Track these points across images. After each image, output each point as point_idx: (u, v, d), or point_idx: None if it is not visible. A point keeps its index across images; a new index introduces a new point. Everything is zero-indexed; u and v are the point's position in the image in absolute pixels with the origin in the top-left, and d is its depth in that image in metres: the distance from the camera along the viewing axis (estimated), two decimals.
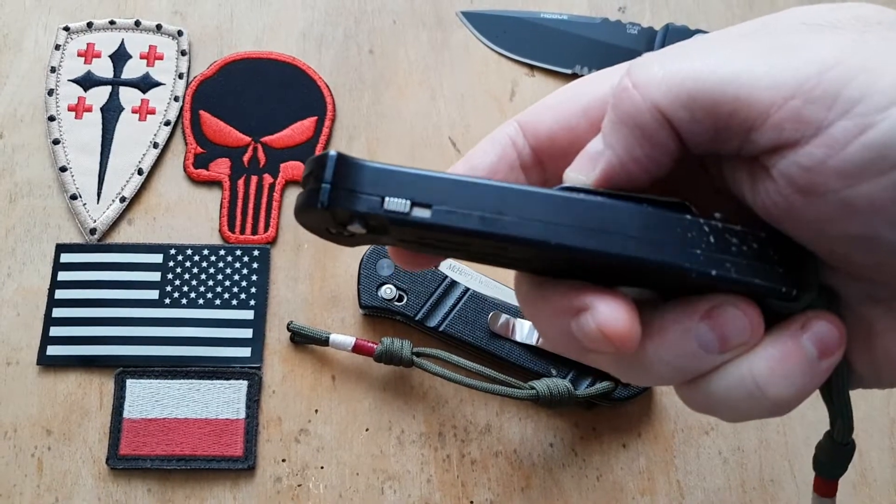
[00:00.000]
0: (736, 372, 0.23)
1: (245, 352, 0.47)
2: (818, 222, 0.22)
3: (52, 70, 0.53)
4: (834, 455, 0.28)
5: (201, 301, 0.48)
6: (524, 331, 0.46)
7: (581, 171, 0.24)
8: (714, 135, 0.22)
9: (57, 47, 0.54)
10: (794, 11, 0.23)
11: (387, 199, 0.23)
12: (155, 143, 0.51)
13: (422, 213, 0.22)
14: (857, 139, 0.20)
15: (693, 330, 0.23)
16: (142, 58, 0.54)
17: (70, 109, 0.52)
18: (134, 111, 0.52)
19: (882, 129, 0.20)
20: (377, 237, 0.25)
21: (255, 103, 0.53)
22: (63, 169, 0.50)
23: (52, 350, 0.47)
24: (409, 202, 0.23)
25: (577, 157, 0.25)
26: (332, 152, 0.23)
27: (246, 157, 0.51)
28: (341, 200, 0.22)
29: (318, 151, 0.52)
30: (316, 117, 0.53)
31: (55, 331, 0.47)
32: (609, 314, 0.23)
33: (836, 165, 0.20)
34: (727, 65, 0.21)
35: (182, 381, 0.46)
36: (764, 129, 0.21)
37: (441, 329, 0.46)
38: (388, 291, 0.47)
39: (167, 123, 0.52)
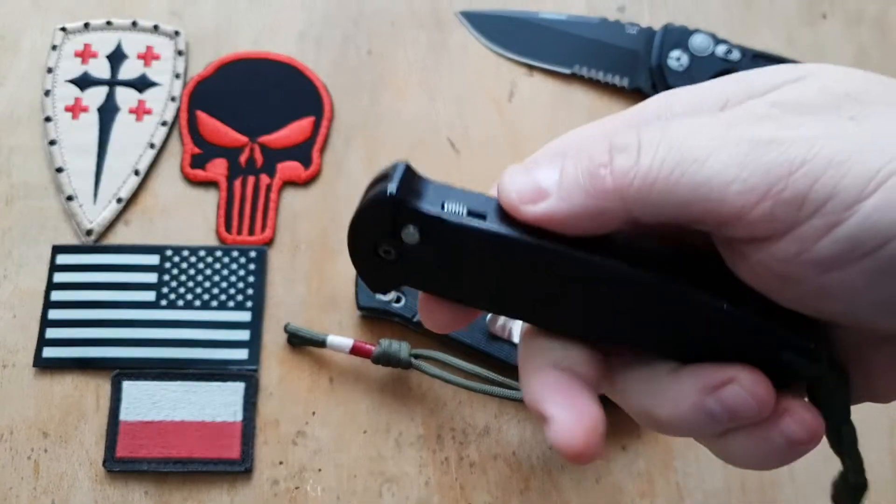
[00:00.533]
0: (715, 445, 0.26)
1: (242, 354, 0.47)
2: (797, 300, 0.23)
3: (49, 71, 0.53)
4: (850, 493, 0.31)
5: (198, 303, 0.48)
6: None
7: (521, 196, 0.24)
8: (680, 225, 0.23)
9: (54, 48, 0.53)
10: (764, 85, 0.24)
11: (447, 203, 0.25)
12: (151, 143, 0.51)
13: (477, 222, 0.24)
14: (827, 235, 0.21)
15: (704, 404, 0.24)
16: (139, 58, 0.53)
17: (67, 110, 0.52)
18: (131, 112, 0.52)
19: (850, 224, 0.20)
20: (417, 265, 0.26)
21: (252, 103, 0.52)
22: (59, 170, 0.50)
23: (49, 352, 0.46)
24: (466, 208, 0.25)
25: (521, 172, 0.25)
26: (403, 162, 0.25)
27: (243, 158, 0.51)
28: (407, 195, 0.24)
29: (316, 151, 0.52)
30: (313, 117, 0.52)
31: (51, 333, 0.47)
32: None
33: (808, 258, 0.21)
34: (702, 167, 0.22)
35: (179, 383, 0.46)
36: (735, 226, 0.22)
37: None
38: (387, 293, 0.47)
39: (164, 124, 0.52)
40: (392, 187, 0.24)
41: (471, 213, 0.25)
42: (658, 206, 0.22)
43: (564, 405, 0.25)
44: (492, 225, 0.24)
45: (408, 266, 0.26)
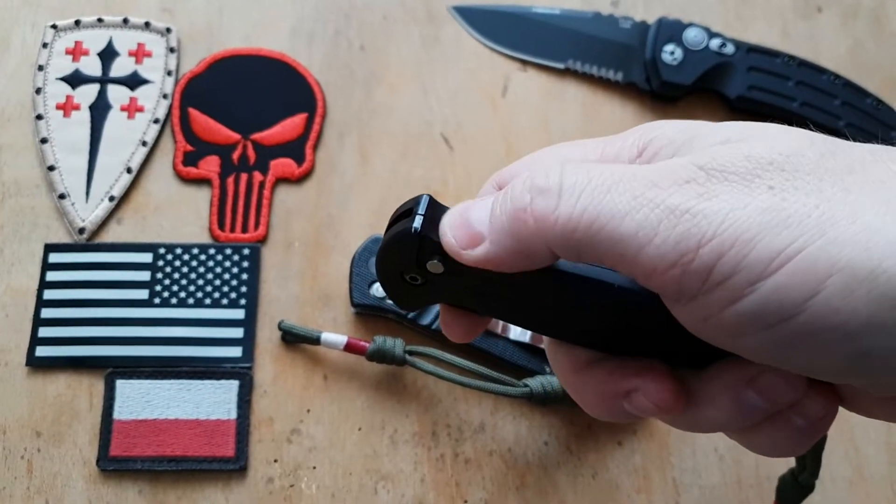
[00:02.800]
0: (746, 437, 0.27)
1: (236, 351, 0.46)
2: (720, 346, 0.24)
3: (40, 68, 0.52)
4: (795, 491, 0.32)
5: (191, 300, 0.47)
6: (517, 328, 0.46)
7: (460, 243, 0.26)
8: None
9: (44, 45, 0.53)
10: (700, 143, 0.24)
11: None
12: (144, 141, 0.51)
13: None
14: (730, 307, 0.22)
15: (744, 398, 0.25)
16: (130, 55, 0.53)
17: (58, 108, 0.51)
18: (122, 109, 0.52)
19: (751, 300, 0.21)
20: (442, 288, 0.28)
21: (244, 100, 0.52)
22: (51, 168, 0.50)
23: (41, 351, 0.46)
24: None
25: (458, 217, 0.26)
26: (425, 195, 0.27)
27: (235, 155, 0.51)
28: (431, 230, 0.26)
29: (309, 148, 0.51)
30: (306, 114, 0.52)
31: (44, 331, 0.46)
32: (658, 391, 0.26)
33: (716, 323, 0.22)
34: (620, 224, 0.22)
35: (172, 381, 0.46)
36: (649, 283, 0.23)
37: (434, 327, 0.46)
38: (380, 289, 0.46)
39: (156, 121, 0.52)
40: (416, 224, 0.26)
41: None
42: (579, 251, 0.23)
43: (634, 375, 0.27)
44: None
45: (434, 289, 0.28)
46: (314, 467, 0.45)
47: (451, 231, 0.26)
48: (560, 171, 0.24)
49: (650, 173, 0.23)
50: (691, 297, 0.22)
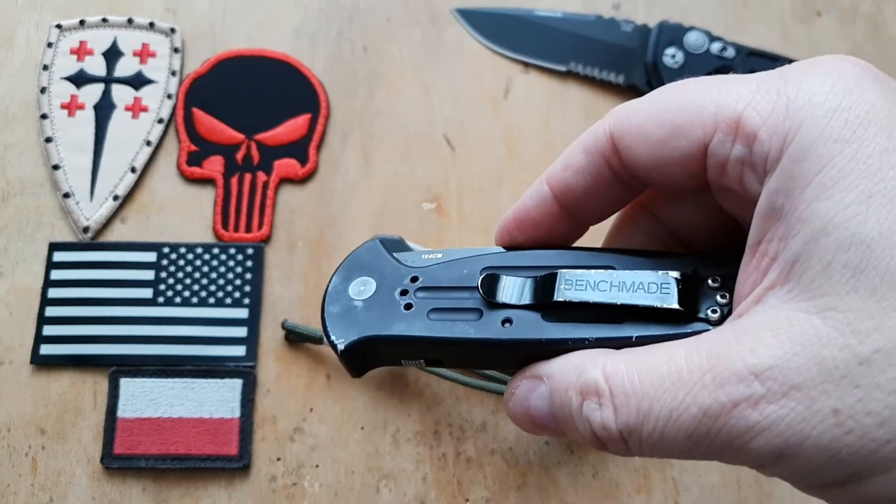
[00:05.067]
0: None
1: (239, 350, 0.47)
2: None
3: (45, 68, 0.53)
4: None
5: (195, 300, 0.48)
6: None
7: (527, 429, 0.28)
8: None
9: (49, 45, 0.53)
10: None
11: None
12: (148, 140, 0.51)
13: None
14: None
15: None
16: (134, 55, 0.53)
17: (62, 107, 0.52)
18: (127, 109, 0.52)
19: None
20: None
21: (248, 101, 0.52)
22: (56, 167, 0.50)
23: (46, 349, 0.46)
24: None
25: (522, 413, 0.28)
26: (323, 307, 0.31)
27: (239, 155, 0.51)
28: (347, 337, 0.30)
29: (312, 148, 0.52)
30: (309, 114, 0.52)
31: (48, 330, 0.47)
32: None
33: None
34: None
35: (176, 379, 0.46)
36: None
37: None
38: None
39: (160, 121, 0.52)
40: (339, 348, 0.30)
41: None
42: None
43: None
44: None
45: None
46: (317, 466, 0.45)
47: (517, 421, 0.28)
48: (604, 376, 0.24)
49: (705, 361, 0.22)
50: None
